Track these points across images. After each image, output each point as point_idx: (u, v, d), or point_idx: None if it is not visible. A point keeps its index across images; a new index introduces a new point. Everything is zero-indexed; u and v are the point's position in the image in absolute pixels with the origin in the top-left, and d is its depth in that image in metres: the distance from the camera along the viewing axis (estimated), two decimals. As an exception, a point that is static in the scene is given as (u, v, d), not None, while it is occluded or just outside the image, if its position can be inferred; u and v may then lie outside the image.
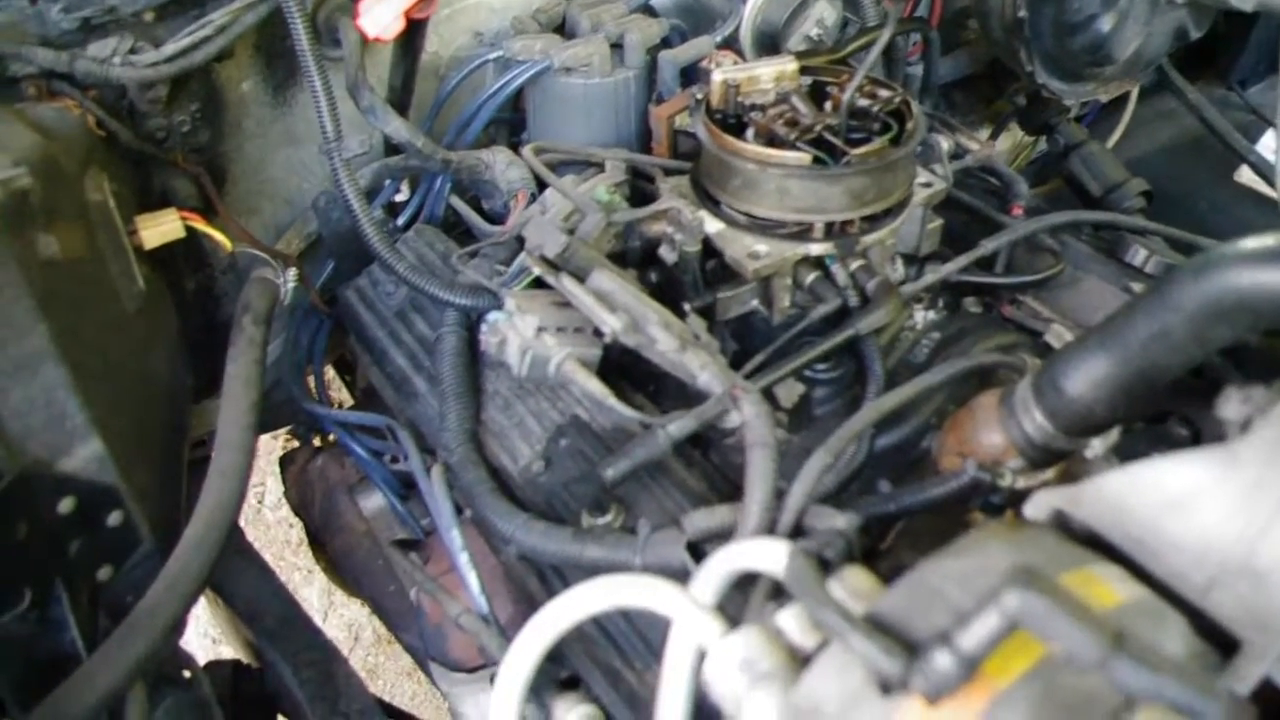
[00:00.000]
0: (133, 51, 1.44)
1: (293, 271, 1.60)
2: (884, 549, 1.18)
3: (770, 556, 0.92)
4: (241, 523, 1.65)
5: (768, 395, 1.35)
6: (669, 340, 1.18)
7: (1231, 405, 0.92)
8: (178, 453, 1.50)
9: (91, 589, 1.23)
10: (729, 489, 1.24)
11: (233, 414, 1.38)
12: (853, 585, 0.88)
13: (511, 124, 1.83)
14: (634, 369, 1.37)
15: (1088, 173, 2.06)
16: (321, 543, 1.90)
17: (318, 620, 1.61)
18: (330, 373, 2.25)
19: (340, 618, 2.89)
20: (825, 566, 0.90)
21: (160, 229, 1.44)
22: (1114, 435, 1.16)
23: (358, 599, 2.01)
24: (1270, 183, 2.10)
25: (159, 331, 1.50)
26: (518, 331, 1.26)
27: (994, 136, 2.27)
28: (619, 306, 1.23)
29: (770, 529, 1.02)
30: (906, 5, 1.91)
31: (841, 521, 0.95)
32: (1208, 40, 2.13)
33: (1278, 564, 0.78)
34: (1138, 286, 1.53)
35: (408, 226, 1.72)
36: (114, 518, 1.23)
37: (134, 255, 1.40)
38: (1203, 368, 1.38)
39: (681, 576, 1.01)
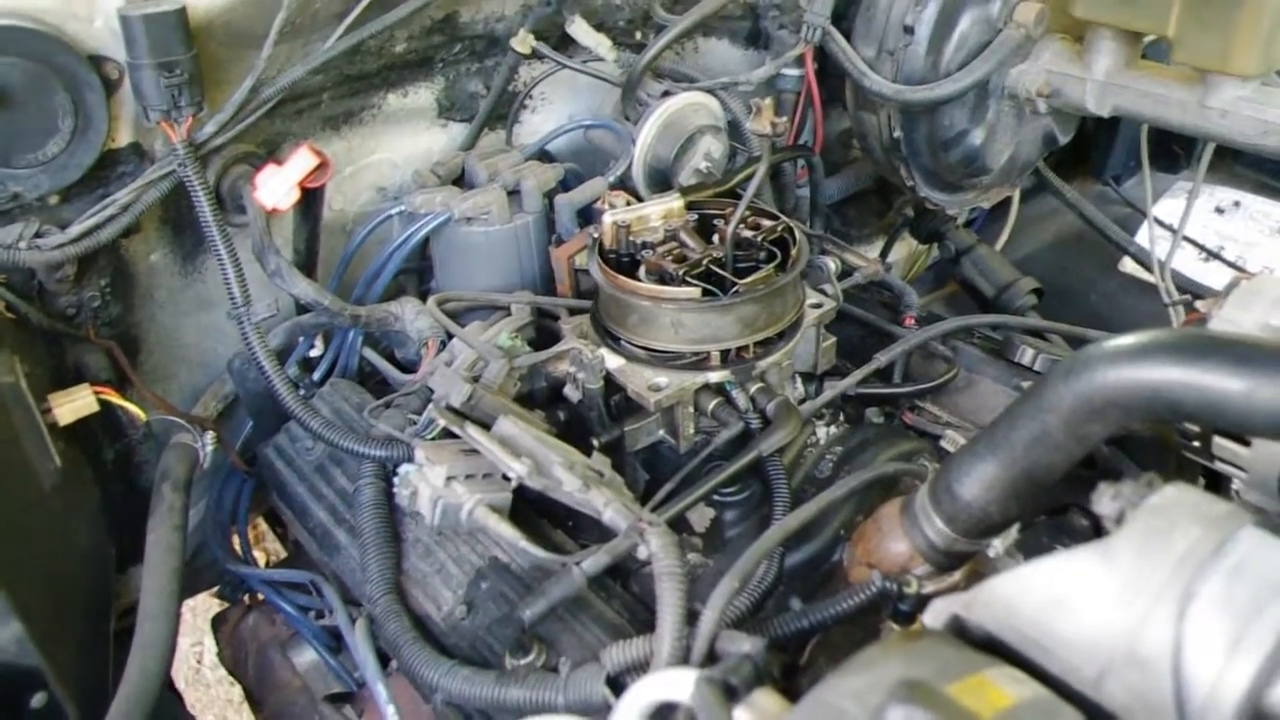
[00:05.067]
0: (38, 235, 1.46)
1: (210, 435, 1.61)
2: (803, 664, 1.21)
3: (681, 686, 0.94)
4: (181, 685, 1.63)
5: (680, 522, 1.38)
6: (573, 481, 1.22)
7: (1104, 501, 0.95)
8: (103, 625, 1.48)
9: (16, 775, 1.21)
10: (649, 616, 1.25)
11: (155, 583, 1.38)
12: (761, 708, 0.90)
13: (420, 273, 1.87)
14: (553, 505, 1.39)
15: (980, 275, 2.15)
16: (258, 701, 1.88)
17: (261, 781, 1.58)
18: (263, 525, 2.24)
19: (285, 776, 2.81)
20: (733, 692, 0.92)
21: (74, 405, 1.45)
22: (1013, 533, 1.21)
23: (298, 757, 1.97)
24: (1150, 270, 2.21)
25: (78, 505, 1.50)
26: (428, 482, 1.28)
27: (888, 247, 2.37)
28: (523, 451, 1.26)
29: (685, 657, 1.05)
30: (790, 132, 2.00)
31: (748, 645, 0.97)
32: (1080, 140, 2.26)
33: (1161, 651, 0.81)
34: (1027, 384, 1.60)
35: (324, 380, 1.75)
36: (37, 700, 1.22)
37: (49, 433, 1.40)
38: (1094, 459, 1.44)
39: (604, 711, 1.02)
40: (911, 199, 2.16)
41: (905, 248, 2.48)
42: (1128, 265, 2.40)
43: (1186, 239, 2.39)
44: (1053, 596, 0.89)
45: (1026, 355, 1.66)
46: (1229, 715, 0.75)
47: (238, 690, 2.94)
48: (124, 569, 1.68)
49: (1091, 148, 2.63)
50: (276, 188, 1.50)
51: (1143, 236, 2.33)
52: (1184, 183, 2.58)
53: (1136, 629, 0.83)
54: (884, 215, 2.43)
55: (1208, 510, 0.87)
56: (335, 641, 1.70)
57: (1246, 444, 1.16)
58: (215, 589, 1.95)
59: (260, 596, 1.85)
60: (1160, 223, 2.33)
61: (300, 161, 1.52)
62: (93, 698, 1.30)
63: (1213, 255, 2.42)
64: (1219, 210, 2.53)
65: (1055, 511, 1.44)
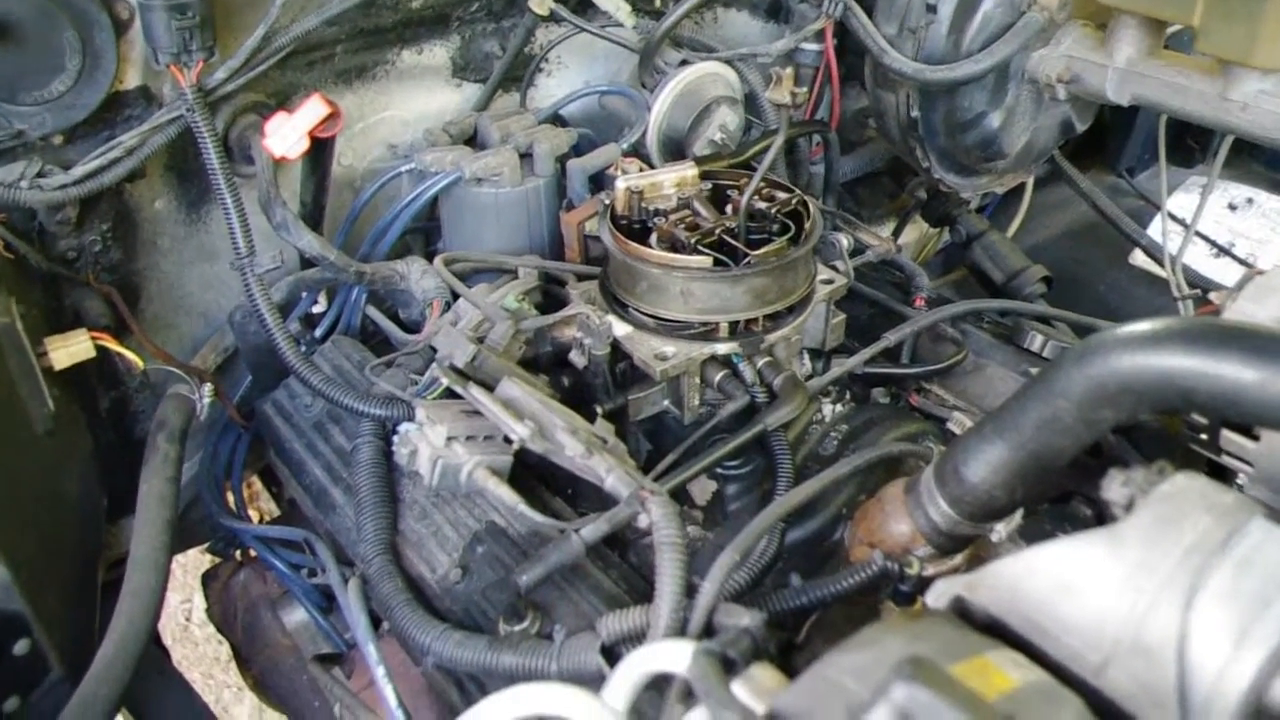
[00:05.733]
0: (41, 175, 1.44)
1: (208, 387, 1.59)
2: (800, 642, 1.20)
3: (678, 658, 0.92)
4: (169, 641, 1.62)
5: (681, 493, 1.37)
6: (575, 445, 1.20)
7: (1114, 488, 0.95)
8: (90, 574, 1.47)
9: (-4, 722, 1.20)
10: (646, 588, 1.24)
11: (146, 533, 1.36)
12: (758, 682, 0.89)
13: (427, 233, 1.86)
14: (552, 472, 1.38)
15: (990, 261, 2.13)
16: (246, 659, 1.87)
17: (245, 740, 1.58)
18: (257, 484, 2.23)
19: (270, 735, 2.82)
20: (730, 665, 0.91)
21: (70, 350, 1.43)
22: (1017, 518, 1.19)
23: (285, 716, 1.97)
24: (1161, 264, 2.19)
25: (71, 452, 1.49)
26: (428, 441, 1.26)
27: (899, 229, 2.35)
28: (526, 414, 1.25)
29: (682, 629, 1.03)
30: (807, 107, 1.98)
31: (746, 619, 0.96)
32: (1096, 131, 2.24)
33: (1166, 640, 0.80)
34: (1035, 370, 1.59)
35: (326, 337, 1.73)
36: (21, 646, 1.21)
37: (44, 377, 1.39)
38: (1100, 447, 1.43)
39: (598, 680, 1.01)
40: (925, 181, 2.15)
41: (915, 231, 2.46)
42: (1138, 258, 2.38)
43: (1198, 234, 2.37)
44: (1058, 581, 0.87)
45: (1036, 341, 1.65)
46: (1233, 708, 0.74)
47: (225, 648, 2.94)
48: (115, 519, 1.67)
49: (1108, 138, 2.61)
50: (286, 136, 1.49)
51: (1155, 230, 2.31)
52: (1198, 177, 2.56)
53: (1142, 617, 0.82)
54: (896, 197, 2.42)
55: (1218, 500, 0.86)
56: (326, 601, 1.70)
57: (1254, 438, 1.15)
58: (206, 545, 1.94)
59: (252, 554, 1.84)
60: (1173, 216, 2.31)
61: (311, 110, 1.50)
62: (78, 646, 1.29)
63: (1224, 251, 2.40)
64: (1232, 206, 2.51)
65: (1058, 499, 1.43)
